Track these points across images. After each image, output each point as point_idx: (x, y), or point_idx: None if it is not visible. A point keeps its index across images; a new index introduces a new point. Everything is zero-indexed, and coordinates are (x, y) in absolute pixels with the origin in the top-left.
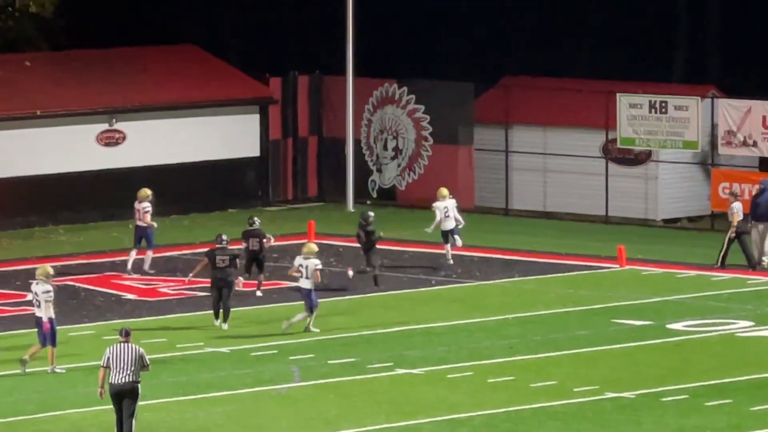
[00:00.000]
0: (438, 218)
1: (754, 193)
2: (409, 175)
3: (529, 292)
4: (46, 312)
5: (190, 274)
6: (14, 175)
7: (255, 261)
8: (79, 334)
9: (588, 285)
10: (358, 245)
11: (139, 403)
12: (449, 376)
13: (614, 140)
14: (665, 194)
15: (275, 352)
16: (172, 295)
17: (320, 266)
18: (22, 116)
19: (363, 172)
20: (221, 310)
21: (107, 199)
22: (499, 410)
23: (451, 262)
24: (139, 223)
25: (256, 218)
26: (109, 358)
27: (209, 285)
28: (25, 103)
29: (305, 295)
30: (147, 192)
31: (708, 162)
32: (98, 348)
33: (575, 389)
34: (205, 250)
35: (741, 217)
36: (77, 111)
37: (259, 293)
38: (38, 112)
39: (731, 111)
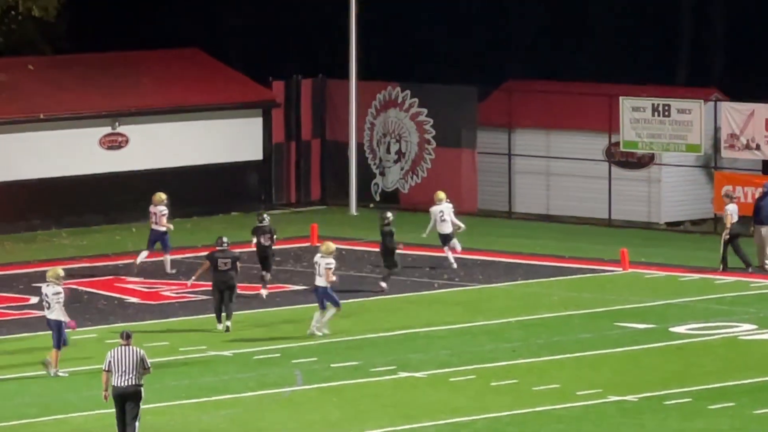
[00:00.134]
0: (432, 222)
1: (757, 196)
2: (411, 178)
3: (532, 295)
4: (59, 313)
5: (192, 278)
6: (17, 179)
7: (263, 258)
8: (82, 337)
9: (591, 288)
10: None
11: (142, 406)
12: (452, 379)
13: (617, 143)
14: (668, 197)
15: (278, 355)
16: (175, 298)
17: (331, 266)
18: (25, 120)
19: (366, 175)
20: (224, 314)
21: (110, 202)
22: (502, 413)
23: (455, 266)
24: (155, 226)
25: (265, 215)
26: (110, 361)
27: (210, 288)
28: (28, 106)
29: (321, 294)
30: (162, 196)
31: (711, 165)
32: (101, 351)
33: (578, 392)
34: (206, 253)
35: (735, 219)
36: (80, 114)
37: (264, 293)
38: (41, 116)
39: (734, 114)
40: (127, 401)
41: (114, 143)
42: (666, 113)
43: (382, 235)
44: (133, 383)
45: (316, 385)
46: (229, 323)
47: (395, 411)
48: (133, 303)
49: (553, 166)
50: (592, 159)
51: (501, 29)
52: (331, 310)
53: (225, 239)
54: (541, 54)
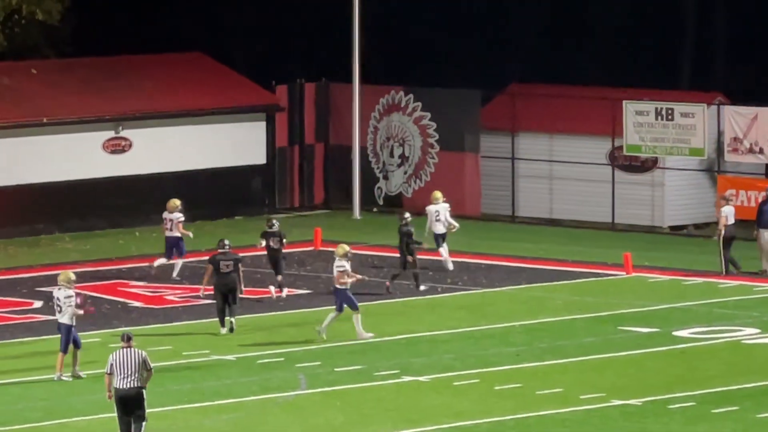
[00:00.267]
0: (429, 221)
1: (760, 200)
2: (415, 182)
3: (536, 299)
4: (70, 317)
5: (203, 287)
6: (21, 183)
7: (274, 261)
8: (86, 341)
9: (594, 292)
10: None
11: (147, 411)
12: (456, 383)
13: (620, 147)
14: (671, 201)
15: (282, 359)
16: (178, 302)
17: (342, 268)
18: (28, 124)
19: (369, 179)
20: (227, 317)
21: (114, 206)
22: (505, 417)
23: (451, 267)
24: (169, 233)
25: (275, 220)
26: (112, 364)
27: (213, 292)
28: (32, 110)
29: (338, 296)
30: (176, 202)
31: (714, 169)
32: (104, 355)
33: (582, 396)
34: (208, 257)
35: (731, 221)
36: (84, 118)
37: (275, 295)
38: (45, 120)
39: (737, 118)
40: (129, 404)
41: (117, 147)
42: (669, 117)
43: (400, 235)
44: (136, 385)
45: (319, 389)
46: (233, 319)
47: (399, 415)
48: (137, 307)
49: (556, 169)
50: (595, 163)
51: (504, 33)
52: (330, 315)
53: (227, 242)
54: (544, 58)
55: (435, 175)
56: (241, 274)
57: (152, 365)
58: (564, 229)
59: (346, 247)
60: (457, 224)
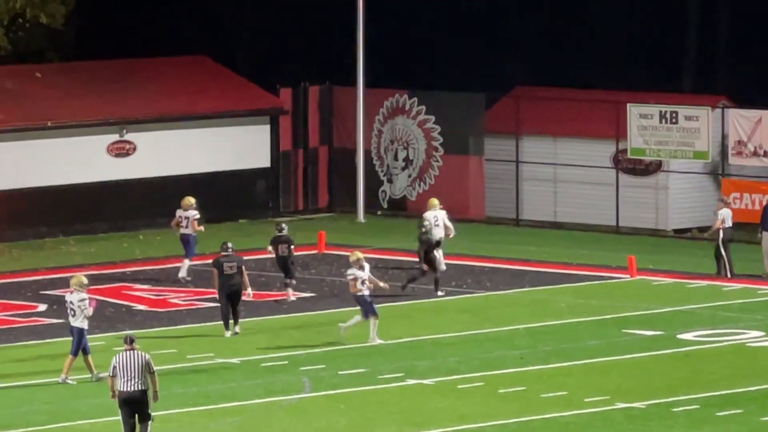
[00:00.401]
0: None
1: (764, 203)
2: (419, 185)
3: (540, 302)
4: (83, 321)
5: (217, 290)
6: (25, 186)
7: (284, 267)
8: (90, 345)
9: (598, 295)
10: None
11: (151, 413)
12: (460, 386)
13: (625, 150)
14: (676, 204)
15: (286, 362)
16: (183, 305)
17: (351, 276)
18: (32, 127)
19: (373, 182)
20: (231, 321)
21: (118, 210)
22: (509, 421)
23: (444, 267)
24: (184, 231)
25: (284, 224)
26: (115, 366)
27: (217, 295)
28: (36, 114)
29: (358, 302)
30: (191, 200)
31: (718, 172)
32: (109, 359)
33: (586, 399)
34: (211, 260)
35: (729, 224)
36: (88, 122)
37: (292, 298)
38: (49, 123)
39: (742, 121)
40: (134, 406)
41: (121, 151)
42: (673, 120)
43: (420, 242)
44: (139, 388)
45: (323, 393)
46: (237, 329)
47: (403, 418)
48: (141, 310)
49: (560, 173)
50: (599, 166)
51: (507, 36)
52: (356, 317)
53: (230, 244)
54: (548, 61)
55: (439, 178)
56: (246, 276)
57: (157, 368)
58: (568, 232)
59: (359, 254)
60: (454, 230)
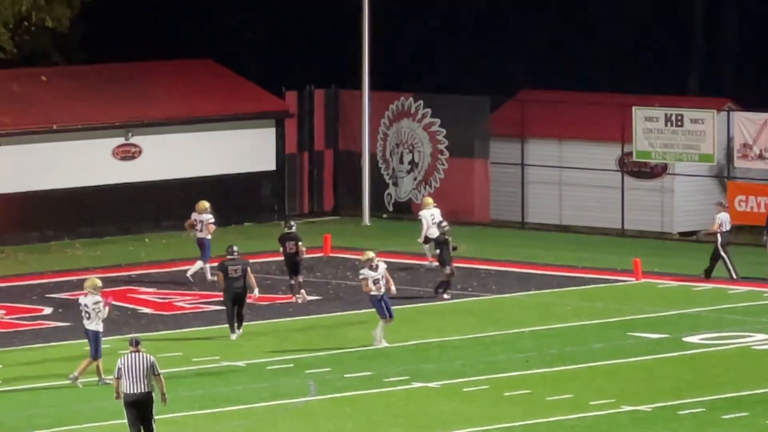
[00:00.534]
0: (425, 227)
1: None
2: (425, 188)
3: (545, 305)
4: (98, 323)
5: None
6: (30, 189)
7: (292, 264)
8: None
9: (604, 298)
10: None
11: (157, 417)
12: (465, 389)
13: (630, 153)
14: (681, 207)
15: (291, 365)
16: (188, 309)
17: (362, 276)
18: (38, 130)
19: (379, 185)
20: (234, 326)
21: (124, 213)
22: (515, 423)
23: (434, 266)
24: (200, 234)
25: (293, 222)
26: (120, 368)
27: (222, 298)
28: (42, 117)
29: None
30: (205, 204)
31: (724, 175)
32: (114, 362)
33: (591, 402)
34: (217, 264)
35: (727, 228)
36: (94, 125)
37: (299, 298)
38: (54, 127)
39: (747, 124)
40: (140, 408)
41: (127, 154)
42: (679, 123)
43: (436, 243)
44: (144, 390)
45: (329, 396)
46: (240, 331)
47: (408, 421)
48: (147, 313)
49: (566, 176)
50: (605, 169)
51: (513, 39)
52: (379, 322)
53: (235, 248)
54: (554, 65)
55: (444, 181)
56: (252, 279)
57: (163, 371)
58: (573, 235)
59: (370, 254)
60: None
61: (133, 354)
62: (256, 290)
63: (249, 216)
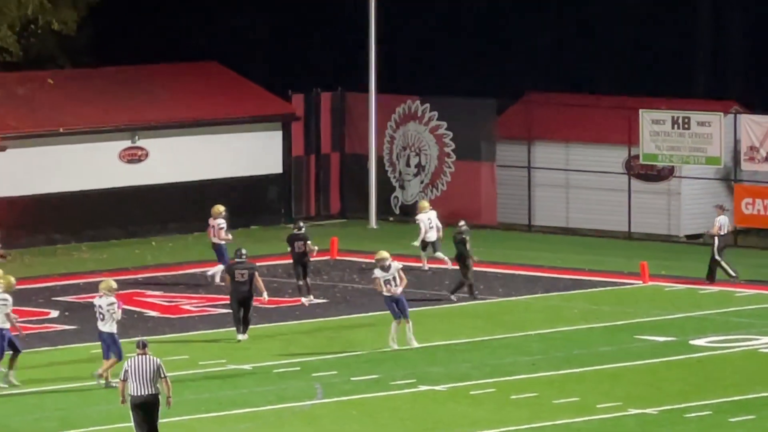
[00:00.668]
0: (423, 230)
1: None
2: (431, 191)
3: (552, 308)
4: (112, 325)
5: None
6: (37, 193)
7: (301, 265)
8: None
9: (611, 301)
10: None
11: (163, 420)
12: (472, 392)
13: (637, 156)
14: (688, 210)
15: (298, 369)
16: (195, 312)
17: (375, 275)
18: (44, 134)
19: (386, 188)
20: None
21: (130, 216)
22: (521, 427)
23: (427, 268)
24: (214, 239)
25: (301, 222)
26: (127, 370)
27: (229, 301)
28: (48, 120)
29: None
30: (220, 208)
31: (731, 178)
32: (120, 365)
33: (598, 406)
34: (225, 267)
35: (725, 231)
36: (100, 128)
37: (306, 300)
38: (61, 130)
39: (754, 127)
40: (146, 410)
41: (134, 157)
42: (686, 126)
43: (455, 244)
44: (151, 392)
45: (336, 399)
46: (245, 336)
47: (415, 424)
48: (153, 317)
49: (572, 178)
50: (611, 172)
51: (519, 42)
52: (408, 324)
53: (244, 251)
54: (560, 67)
55: (451, 184)
56: (260, 283)
57: (169, 375)
58: (580, 238)
59: (382, 254)
60: (442, 233)
61: (140, 356)
62: (265, 294)
63: (256, 219)
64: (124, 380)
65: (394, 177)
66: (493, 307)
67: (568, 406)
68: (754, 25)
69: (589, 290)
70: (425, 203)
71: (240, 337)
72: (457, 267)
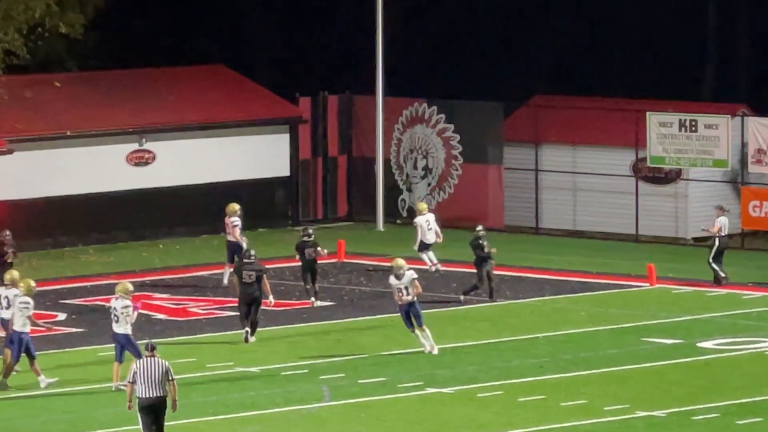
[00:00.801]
0: (420, 233)
1: None
2: (439, 194)
3: (559, 310)
4: (126, 327)
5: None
6: (44, 196)
7: (311, 272)
8: (109, 354)
9: (618, 304)
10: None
11: (171, 423)
12: (479, 395)
13: (644, 159)
14: (695, 213)
15: (305, 371)
16: (202, 314)
17: (416, 275)
18: (52, 136)
19: (393, 191)
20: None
21: (137, 219)
22: (529, 429)
23: (435, 268)
24: (230, 238)
25: (310, 229)
26: (135, 372)
27: (237, 303)
28: (55, 123)
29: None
30: (235, 207)
31: (738, 180)
32: (127, 368)
33: (605, 408)
34: (233, 268)
35: (724, 233)
36: (107, 131)
37: (318, 303)
38: (68, 133)
39: (761, 129)
40: (154, 412)
41: (141, 160)
42: (693, 128)
43: (472, 248)
44: (159, 394)
45: (343, 401)
46: (253, 338)
47: (422, 427)
48: (161, 319)
49: (579, 181)
50: (619, 174)
51: (526, 44)
52: (424, 332)
53: (253, 252)
54: (568, 70)
55: (458, 187)
56: (267, 285)
57: (176, 377)
58: (588, 241)
59: (398, 262)
60: (441, 235)
61: (148, 359)
62: (271, 297)
63: (263, 222)
64: (132, 382)
65: (402, 180)
66: (500, 310)
67: (575, 409)
68: (761, 28)
69: (597, 293)
70: (423, 205)
71: (247, 329)
72: (475, 271)
